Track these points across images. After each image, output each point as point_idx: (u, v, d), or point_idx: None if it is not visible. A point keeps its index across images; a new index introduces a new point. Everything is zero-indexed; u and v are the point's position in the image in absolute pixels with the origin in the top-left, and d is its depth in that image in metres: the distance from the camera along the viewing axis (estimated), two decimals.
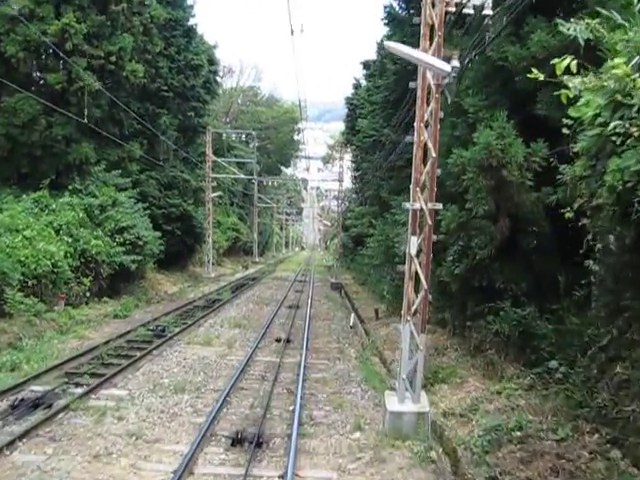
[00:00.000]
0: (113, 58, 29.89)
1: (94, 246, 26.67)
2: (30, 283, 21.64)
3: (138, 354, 17.47)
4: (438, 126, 9.99)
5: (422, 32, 9.89)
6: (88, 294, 26.37)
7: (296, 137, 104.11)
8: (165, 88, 38.02)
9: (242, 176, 60.32)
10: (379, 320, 25.72)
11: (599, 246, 10.11)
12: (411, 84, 10.26)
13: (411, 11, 26.47)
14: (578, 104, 7.74)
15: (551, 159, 11.41)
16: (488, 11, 10.85)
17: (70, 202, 27.86)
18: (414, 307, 10.35)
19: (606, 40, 7.74)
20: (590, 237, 10.03)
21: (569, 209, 9.58)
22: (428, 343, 13.35)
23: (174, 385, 14.28)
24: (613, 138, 7.23)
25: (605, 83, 7.18)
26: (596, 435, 9.25)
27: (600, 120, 7.43)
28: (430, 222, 9.95)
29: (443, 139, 12.34)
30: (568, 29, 7.98)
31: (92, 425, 11.15)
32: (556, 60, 7.18)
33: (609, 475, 8.24)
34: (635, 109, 6.88)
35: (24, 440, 10.19)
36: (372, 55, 43.49)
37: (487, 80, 14.95)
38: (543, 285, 14.54)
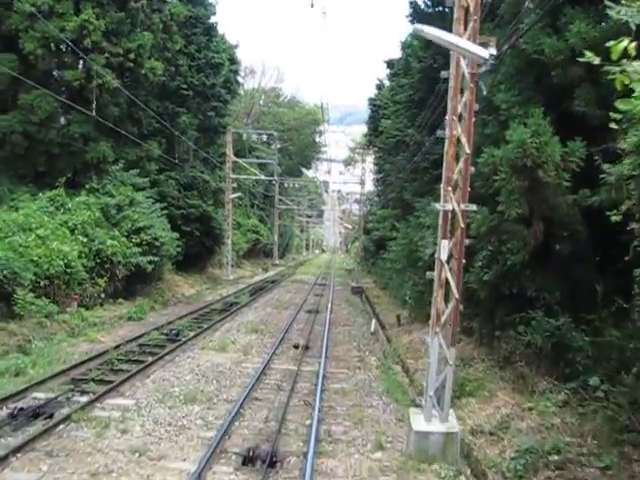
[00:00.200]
0: (132, 55, 29.29)
1: (110, 246, 26.02)
2: (42, 283, 21.03)
3: (149, 360, 16.77)
4: (472, 119, 9.14)
5: (456, 16, 9.04)
6: (103, 295, 25.71)
7: (318, 139, 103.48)
8: (185, 87, 37.43)
9: (263, 177, 59.69)
10: (401, 326, 24.90)
11: None
12: (443, 73, 9.41)
13: (437, 8, 25.59)
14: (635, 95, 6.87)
15: (595, 157, 10.46)
16: None
17: (86, 201, 27.28)
18: (443, 318, 9.47)
19: None
20: (638, 243, 9.14)
21: (615, 212, 8.67)
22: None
23: (185, 394, 13.50)
24: None
25: None
26: None
27: None
28: (462, 225, 9.09)
29: (473, 137, 11.48)
30: (618, 12, 7.11)
31: (93, 439, 10.39)
32: (612, 42, 6.28)
33: None
34: None
35: (18, 455, 9.45)
36: (396, 55, 42.68)
37: (520, 75, 14.03)
38: (578, 294, 13.67)
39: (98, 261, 25.51)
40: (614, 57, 6.48)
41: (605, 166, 9.38)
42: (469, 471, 9.85)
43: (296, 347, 20.26)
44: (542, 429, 11.13)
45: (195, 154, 41.38)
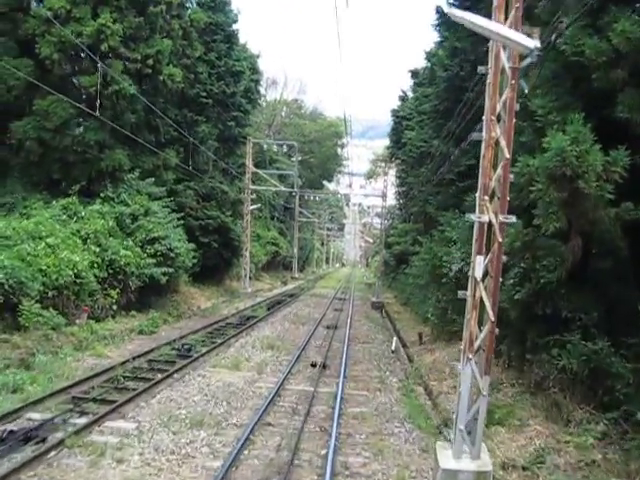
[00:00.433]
0: (150, 61, 28.79)
1: (123, 257, 25.24)
2: (50, 294, 20.27)
3: (157, 377, 15.85)
4: (513, 120, 8.14)
5: (495, 3, 8.05)
6: (115, 307, 24.86)
7: (339, 152, 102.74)
8: (204, 94, 36.73)
9: (282, 188, 58.82)
10: (423, 345, 23.92)
11: None
12: (480, 68, 8.42)
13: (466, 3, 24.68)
14: None
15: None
16: None
17: (100, 210, 26.60)
18: (477, 342, 8.43)
19: None
20: None
21: None
22: None
23: (191, 418, 12.51)
24: None
25: None
26: None
27: None
28: (500, 239, 8.06)
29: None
30: None
31: (86, 469, 9.40)
32: None
33: None
34: None
35: None
36: (420, 65, 41.80)
37: (558, 79, 13.04)
38: (617, 315, 12.66)
39: (111, 272, 24.76)
40: None
41: None
42: None
43: (313, 365, 19.26)
44: (582, 466, 10.11)
45: (214, 164, 40.70)
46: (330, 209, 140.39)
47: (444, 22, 26.54)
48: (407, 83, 46.02)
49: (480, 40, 22.89)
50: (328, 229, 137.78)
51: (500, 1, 7.94)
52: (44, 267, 20.23)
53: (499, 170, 8.17)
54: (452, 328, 21.70)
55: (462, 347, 8.74)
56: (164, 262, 28.03)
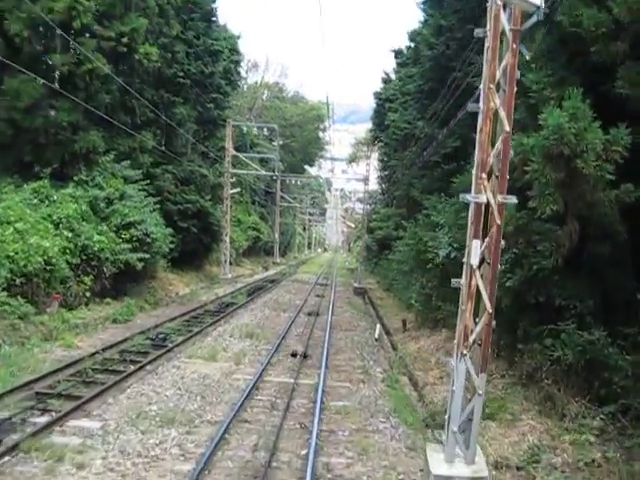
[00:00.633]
0: (125, 40, 27.63)
1: (97, 242, 24.25)
2: (18, 281, 19.22)
3: (128, 370, 14.97)
4: (514, 89, 7.33)
5: None
6: (88, 294, 23.91)
7: (321, 135, 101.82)
8: (182, 74, 35.54)
9: (263, 172, 57.78)
10: (407, 332, 23.32)
11: None
12: (477, 31, 7.55)
13: None
14: None
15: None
16: None
17: (73, 193, 25.57)
18: (472, 337, 7.64)
19: None
20: None
21: None
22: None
23: (162, 415, 11.63)
24: None
25: None
26: None
27: None
28: (499, 221, 7.27)
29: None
30: None
31: (40, 476, 8.46)
32: None
33: None
34: None
35: None
36: (403, 46, 40.83)
37: (553, 52, 12.28)
38: (614, 304, 12.03)
39: (84, 258, 23.76)
40: None
41: None
42: None
43: (294, 355, 18.50)
44: (581, 466, 9.44)
45: (193, 147, 39.68)
46: (312, 194, 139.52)
47: None
48: (390, 65, 45.15)
49: (467, 17, 22.26)
50: (310, 214, 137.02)
51: None
52: (11, 253, 19.20)
53: (498, 145, 7.35)
54: (437, 315, 21.12)
55: (455, 341, 7.96)
56: (140, 247, 27.07)
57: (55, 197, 24.75)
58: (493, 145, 7.41)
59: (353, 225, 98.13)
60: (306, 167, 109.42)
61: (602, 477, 8.82)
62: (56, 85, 23.65)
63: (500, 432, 11.21)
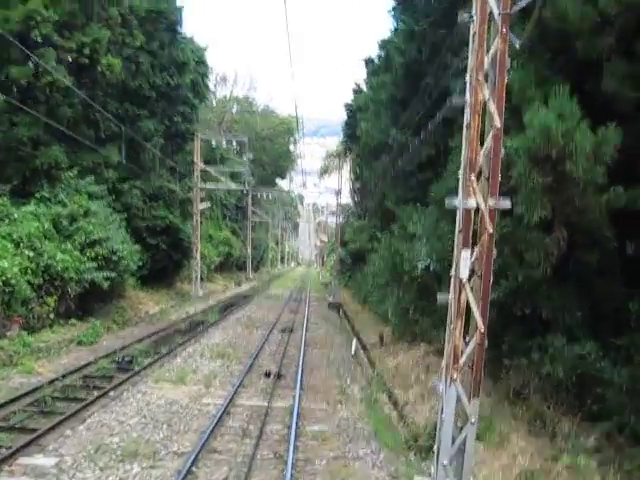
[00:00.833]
0: (87, 51, 26.66)
1: (60, 261, 23.12)
2: None
3: (90, 397, 14.01)
4: (505, 79, 6.59)
5: None
6: (52, 316, 22.81)
7: (292, 148, 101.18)
8: (147, 86, 34.44)
9: (233, 186, 56.74)
10: (384, 347, 22.47)
11: None
12: (462, 16, 6.80)
13: None
14: None
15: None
16: None
17: (35, 211, 24.44)
18: (463, 359, 6.86)
19: None
20: None
21: None
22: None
23: (124, 447, 10.68)
24: None
25: None
26: None
27: None
28: (490, 228, 6.50)
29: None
30: None
31: None
32: None
33: None
34: None
35: None
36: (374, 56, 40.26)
37: (536, 49, 11.62)
38: (603, 315, 11.41)
39: (47, 278, 22.60)
40: None
41: None
42: None
43: (267, 375, 17.68)
44: None
45: (161, 162, 38.62)
46: (284, 208, 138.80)
47: (402, 3, 25.21)
48: (361, 78, 44.59)
49: (438, 22, 21.68)
50: (282, 228, 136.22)
51: None
52: None
53: (488, 142, 6.59)
54: (415, 329, 20.46)
55: (444, 364, 7.18)
56: (106, 266, 25.98)
57: (16, 215, 23.62)
58: (482, 144, 6.66)
59: (326, 239, 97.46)
60: (278, 180, 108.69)
61: None
62: (12, 100, 22.62)
63: (488, 455, 10.48)
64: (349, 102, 47.17)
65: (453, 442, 7.00)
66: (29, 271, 21.49)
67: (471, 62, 6.63)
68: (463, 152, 6.75)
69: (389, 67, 28.23)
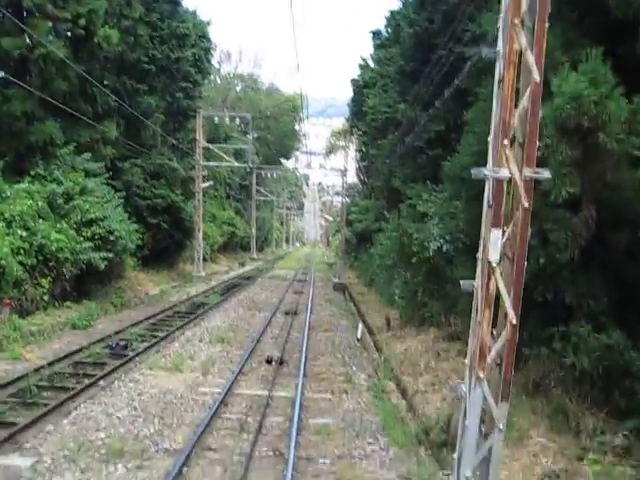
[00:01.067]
0: (82, 22, 25.63)
1: (55, 241, 22.23)
2: None
3: (78, 386, 13.12)
4: (546, 24, 5.56)
5: None
6: (47, 298, 21.96)
7: (297, 127, 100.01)
8: (146, 60, 33.48)
9: (236, 164, 55.64)
10: (391, 331, 21.59)
11: None
12: None
13: None
14: None
15: None
16: None
17: (28, 189, 23.49)
18: (491, 355, 5.88)
19: None
20: None
21: None
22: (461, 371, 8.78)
23: (110, 444, 9.74)
24: None
25: None
26: None
27: None
28: (526, 203, 5.47)
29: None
30: None
31: None
32: None
33: None
34: None
35: None
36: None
37: (564, 9, 10.57)
38: (633, 302, 10.43)
39: (41, 258, 21.73)
40: None
41: None
42: None
43: (269, 362, 16.78)
44: None
45: (163, 139, 37.68)
46: (289, 187, 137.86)
47: None
48: (367, 52, 43.47)
49: None
50: (287, 208, 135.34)
51: None
52: None
53: (524, 101, 5.52)
54: (423, 312, 19.61)
55: (467, 361, 6.20)
56: (103, 246, 25.08)
57: (8, 193, 22.69)
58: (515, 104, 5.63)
59: (331, 219, 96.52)
60: (282, 160, 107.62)
61: None
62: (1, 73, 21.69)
63: (507, 453, 9.53)
64: (356, 78, 46.13)
65: (478, 451, 6.05)
66: (22, 251, 20.66)
67: (504, 3, 5.59)
68: (494, 113, 5.73)
69: (398, 39, 27.20)
